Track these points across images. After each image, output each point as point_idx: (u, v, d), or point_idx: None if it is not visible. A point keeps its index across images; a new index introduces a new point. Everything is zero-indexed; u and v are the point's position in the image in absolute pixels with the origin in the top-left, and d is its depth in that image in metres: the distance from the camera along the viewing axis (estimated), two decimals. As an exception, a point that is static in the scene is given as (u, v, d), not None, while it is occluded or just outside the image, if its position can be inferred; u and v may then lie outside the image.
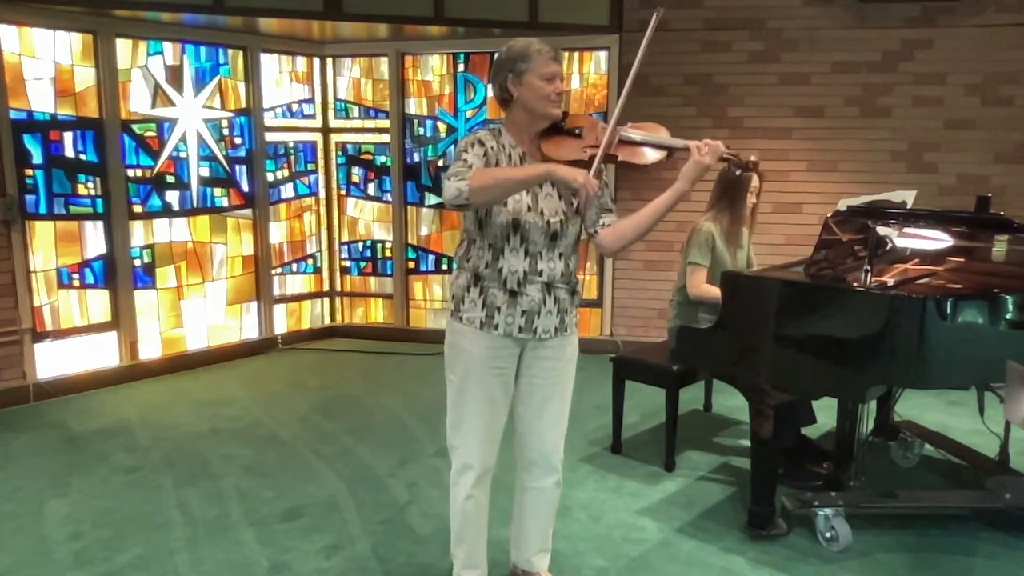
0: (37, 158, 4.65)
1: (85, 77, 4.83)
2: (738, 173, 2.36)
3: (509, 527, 2.68)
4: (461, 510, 2.43)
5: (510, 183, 2.16)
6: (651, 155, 2.29)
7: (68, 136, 4.79)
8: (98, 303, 5.01)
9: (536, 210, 2.26)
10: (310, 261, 6.28)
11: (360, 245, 6.37)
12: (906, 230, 3.14)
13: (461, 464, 2.40)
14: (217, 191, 5.56)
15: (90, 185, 4.91)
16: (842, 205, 3.07)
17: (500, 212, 2.24)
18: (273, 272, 5.97)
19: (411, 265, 6.26)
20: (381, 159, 6.17)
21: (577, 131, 2.31)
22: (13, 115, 4.51)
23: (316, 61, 6.07)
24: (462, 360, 2.34)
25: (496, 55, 2.31)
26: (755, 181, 3.67)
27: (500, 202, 2.22)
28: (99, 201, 4.95)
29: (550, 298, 2.31)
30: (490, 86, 2.35)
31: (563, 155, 2.27)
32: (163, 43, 5.16)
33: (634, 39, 5.51)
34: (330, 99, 6.18)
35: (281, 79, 5.90)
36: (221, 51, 5.48)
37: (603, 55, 5.64)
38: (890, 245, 3.06)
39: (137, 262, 5.16)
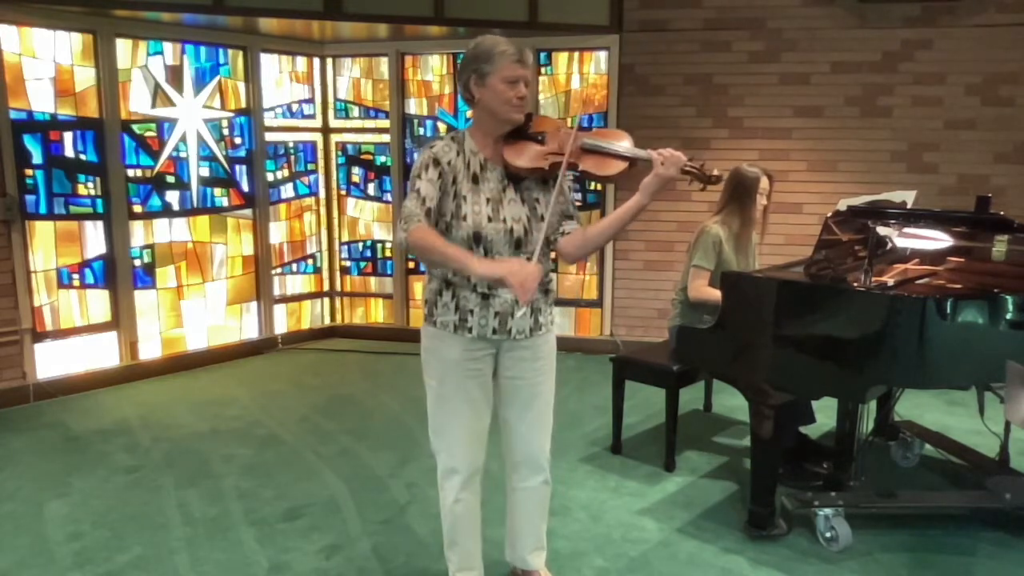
0: (37, 158, 4.65)
1: (85, 77, 4.83)
2: (701, 188, 2.29)
3: (504, 527, 2.68)
4: (450, 513, 2.43)
5: (443, 259, 2.12)
6: (613, 165, 2.24)
7: (68, 136, 4.79)
8: (98, 303, 5.01)
9: (497, 219, 2.23)
10: (310, 261, 6.28)
11: (360, 245, 6.37)
12: (906, 230, 3.15)
13: (446, 468, 2.41)
14: (217, 191, 5.56)
15: (90, 185, 4.91)
16: (842, 205, 3.07)
17: (459, 227, 2.21)
18: (273, 272, 5.97)
19: (411, 265, 6.26)
20: (381, 159, 6.17)
21: (540, 137, 2.27)
22: (13, 115, 4.51)
23: (316, 61, 6.07)
24: (438, 364, 2.33)
25: (463, 53, 2.25)
26: (764, 183, 3.63)
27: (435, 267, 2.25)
28: (99, 201, 4.95)
29: None
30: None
31: (524, 162, 2.24)
32: (163, 43, 5.16)
33: (634, 39, 5.52)
34: (330, 99, 6.18)
35: (281, 79, 5.90)
36: (221, 51, 5.48)
37: (603, 55, 5.64)
38: (890, 245, 3.07)
39: (137, 262, 5.16)
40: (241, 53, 5.58)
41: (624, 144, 2.27)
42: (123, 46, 4.97)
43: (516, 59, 2.18)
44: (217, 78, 5.48)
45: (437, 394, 2.36)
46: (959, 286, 2.98)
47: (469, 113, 2.35)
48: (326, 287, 6.40)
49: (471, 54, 2.21)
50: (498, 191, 2.26)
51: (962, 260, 3.27)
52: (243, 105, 5.64)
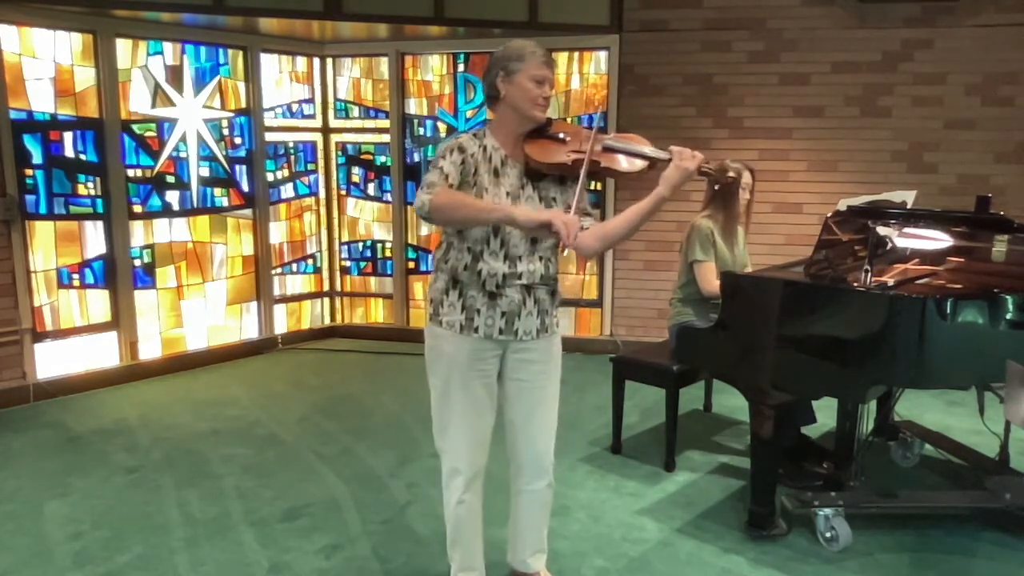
0: (37, 158, 4.65)
1: (85, 77, 4.83)
2: (716, 187, 2.33)
3: (506, 528, 2.68)
4: (454, 514, 2.43)
5: (470, 213, 2.16)
6: (633, 163, 2.30)
7: (68, 136, 4.78)
8: (98, 303, 5.01)
9: None
10: (310, 261, 6.28)
11: (360, 245, 6.37)
12: (906, 230, 3.14)
13: (450, 468, 2.41)
14: (217, 191, 5.56)
15: (90, 185, 4.91)
16: (842, 205, 3.08)
17: None
18: (273, 272, 5.97)
19: (411, 265, 6.26)
20: (381, 159, 6.17)
21: (562, 136, 2.32)
22: (13, 115, 4.51)
23: (316, 61, 6.07)
24: (443, 364, 2.34)
25: (492, 53, 2.32)
26: (747, 178, 3.67)
27: (457, 228, 2.24)
28: (99, 201, 4.95)
29: (530, 299, 2.32)
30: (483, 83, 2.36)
31: (547, 158, 2.28)
32: (163, 43, 5.16)
33: (634, 39, 5.52)
34: (330, 99, 6.18)
35: (281, 79, 5.90)
36: (221, 51, 5.48)
37: (603, 55, 5.64)
38: (890, 245, 3.07)
39: (137, 262, 5.16)
40: (241, 53, 5.58)
41: (643, 146, 2.32)
42: (123, 46, 4.97)
43: (544, 60, 2.25)
44: (217, 78, 5.48)
45: (441, 394, 2.36)
46: (959, 286, 2.98)
47: (490, 114, 2.38)
48: (326, 287, 6.40)
49: (500, 54, 2.28)
50: (517, 187, 2.29)
51: (962, 260, 3.27)
52: (243, 105, 5.64)
